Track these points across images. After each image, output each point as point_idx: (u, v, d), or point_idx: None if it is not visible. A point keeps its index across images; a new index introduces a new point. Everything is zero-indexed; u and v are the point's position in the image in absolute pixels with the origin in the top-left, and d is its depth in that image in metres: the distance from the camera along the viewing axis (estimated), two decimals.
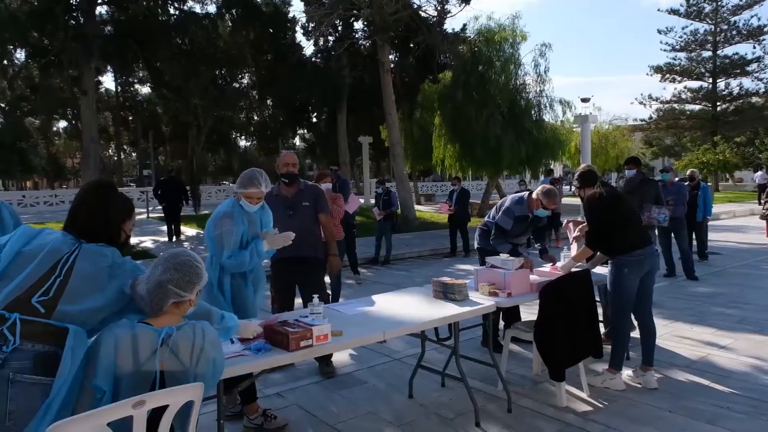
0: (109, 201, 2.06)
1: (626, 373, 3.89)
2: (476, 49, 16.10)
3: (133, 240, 11.75)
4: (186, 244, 12.37)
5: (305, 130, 35.90)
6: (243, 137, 39.97)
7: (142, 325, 1.82)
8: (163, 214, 13.23)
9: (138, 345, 1.75)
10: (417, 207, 18.65)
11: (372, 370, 4.34)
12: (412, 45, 21.17)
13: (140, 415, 1.62)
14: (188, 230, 14.97)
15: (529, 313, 5.16)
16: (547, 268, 4.17)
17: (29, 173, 29.36)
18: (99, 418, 1.56)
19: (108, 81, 35.99)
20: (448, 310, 3.26)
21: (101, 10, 17.79)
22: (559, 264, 4.13)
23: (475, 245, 4.86)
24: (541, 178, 17.96)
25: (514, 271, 3.63)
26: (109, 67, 26.27)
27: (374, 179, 13.73)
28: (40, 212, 22.91)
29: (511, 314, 4.52)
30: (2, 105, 33.42)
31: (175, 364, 1.80)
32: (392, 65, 19.60)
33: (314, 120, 29.27)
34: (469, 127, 15.15)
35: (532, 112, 16.24)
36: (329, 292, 5.39)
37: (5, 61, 20.47)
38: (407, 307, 3.37)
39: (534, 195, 4.30)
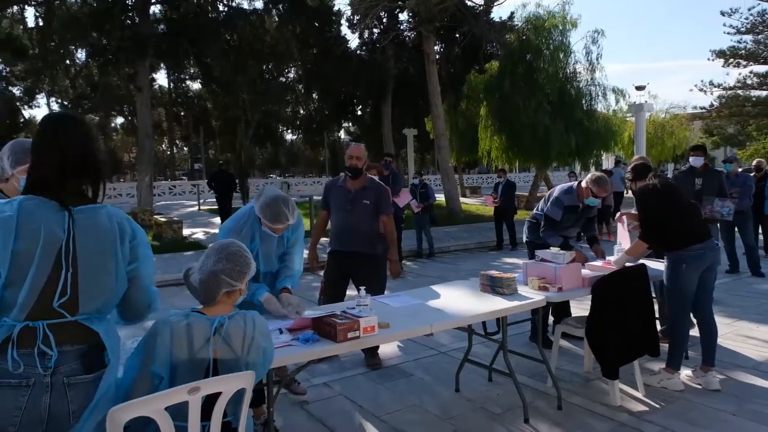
0: (84, 134, 1.67)
1: (685, 373, 3.71)
2: (524, 37, 15.71)
3: (186, 231, 12.17)
4: None
5: (350, 123, 36.13)
6: (289, 131, 40.63)
7: (196, 314, 1.87)
8: (216, 206, 14.33)
9: (192, 333, 1.81)
10: (462, 199, 18.47)
11: (418, 362, 4.32)
12: (457, 35, 20.86)
13: (195, 400, 1.67)
14: None
15: (580, 308, 5.02)
16: (599, 262, 4.02)
17: None
18: (157, 403, 1.62)
19: (161, 78, 37.46)
20: (497, 304, 3.19)
21: (154, 9, 18.40)
22: (612, 258, 3.98)
23: (524, 238, 4.75)
24: (592, 169, 17.40)
25: (565, 265, 3.52)
26: (162, 65, 27.19)
27: (414, 172, 13.69)
28: None
29: (561, 309, 4.39)
30: (65, 103, 35.24)
31: (228, 353, 1.84)
32: (437, 56, 19.43)
33: (359, 113, 29.38)
34: (516, 117, 14.83)
35: (583, 102, 15.72)
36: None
37: (68, 61, 21.52)
38: (454, 300, 3.33)
39: (584, 183, 4.15)
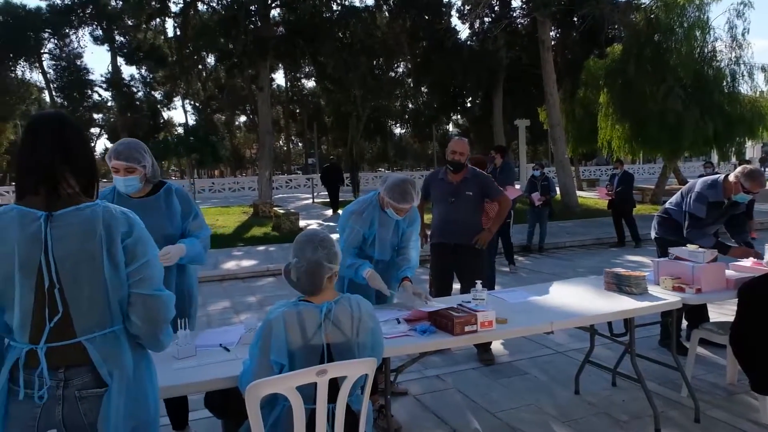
0: (66, 130, 1.54)
1: None
2: (652, 16, 14.39)
3: (301, 223, 12.82)
4: None
5: (459, 116, 35.74)
6: (398, 125, 41.16)
7: (304, 303, 1.94)
8: (328, 198, 16.50)
9: (304, 321, 1.88)
10: (579, 193, 17.48)
11: (533, 361, 4.16)
12: (575, 19, 19.71)
13: (323, 382, 1.75)
14: None
15: (719, 312, 4.54)
16: (747, 262, 3.58)
17: (218, 163, 33.70)
18: (290, 381, 1.72)
19: (279, 78, 39.71)
20: (624, 303, 2.96)
21: (274, 13, 19.57)
22: (765, 259, 3.51)
23: (653, 234, 4.36)
24: (732, 159, 15.58)
25: (705, 265, 3.17)
26: (280, 65, 28.86)
27: (530, 164, 13.10)
28: (225, 197, 26.22)
29: (697, 313, 3.98)
30: (197, 104, 38.79)
31: (339, 336, 1.90)
32: (553, 42, 18.51)
33: (468, 105, 28.93)
34: (642, 104, 13.66)
35: (724, 83, 14.05)
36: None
37: (200, 66, 23.65)
38: (575, 297, 3.15)
39: (732, 177, 3.70)
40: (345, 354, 1.90)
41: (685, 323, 4.17)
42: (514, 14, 21.76)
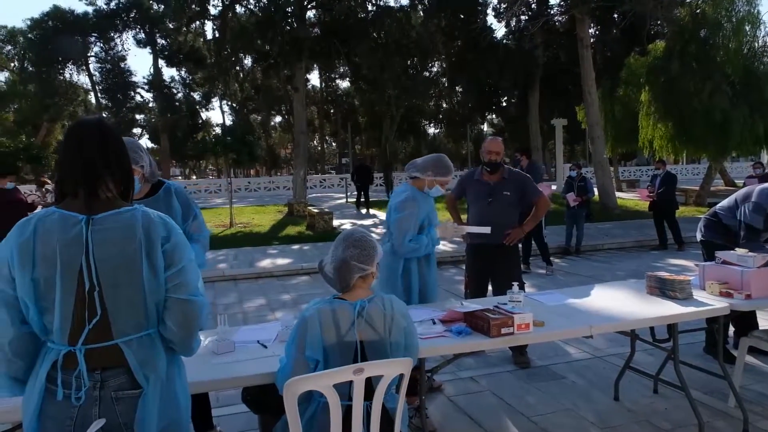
0: (104, 135, 1.57)
1: None
2: (698, 11, 13.87)
3: (335, 222, 12.92)
4: (375, 221, 13.19)
5: (494, 115, 35.34)
6: (431, 124, 41.00)
7: (339, 301, 1.97)
8: (356, 194, 17.83)
9: (338, 318, 1.91)
10: (618, 194, 17.03)
11: (570, 365, 4.08)
12: (616, 15, 19.21)
13: (359, 380, 1.77)
14: (381, 214, 15.96)
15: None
16: None
17: (254, 163, 34.34)
18: (327, 379, 1.74)
19: (314, 78, 40.08)
20: (668, 308, 2.87)
21: (310, 14, 19.77)
22: None
23: (699, 237, 4.20)
24: None
25: (756, 269, 3.04)
26: (315, 65, 29.14)
27: (567, 164, 12.81)
28: (261, 196, 26.66)
29: (745, 320, 3.80)
30: (234, 105, 39.57)
31: (372, 334, 1.93)
32: (592, 40, 18.09)
33: (504, 104, 28.59)
34: (686, 102, 13.17)
35: None
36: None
37: (237, 67, 24.11)
38: (615, 301, 3.06)
39: None
40: (378, 352, 1.92)
41: (732, 330, 4.00)
42: (552, 12, 21.33)
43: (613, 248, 9.72)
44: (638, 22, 16.24)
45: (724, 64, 13.04)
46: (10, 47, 34.89)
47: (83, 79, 37.49)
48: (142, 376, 1.52)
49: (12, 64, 35.33)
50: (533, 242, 7.68)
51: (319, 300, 2.00)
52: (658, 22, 17.56)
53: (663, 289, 3.08)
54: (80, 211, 1.49)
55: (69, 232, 1.46)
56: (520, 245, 4.60)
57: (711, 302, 2.95)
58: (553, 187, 7.94)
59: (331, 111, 43.98)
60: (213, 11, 19.41)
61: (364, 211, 16.61)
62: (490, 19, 23.87)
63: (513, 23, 22.53)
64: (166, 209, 2.59)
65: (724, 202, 4.01)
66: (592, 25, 19.06)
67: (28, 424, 1.50)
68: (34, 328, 1.51)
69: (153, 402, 1.53)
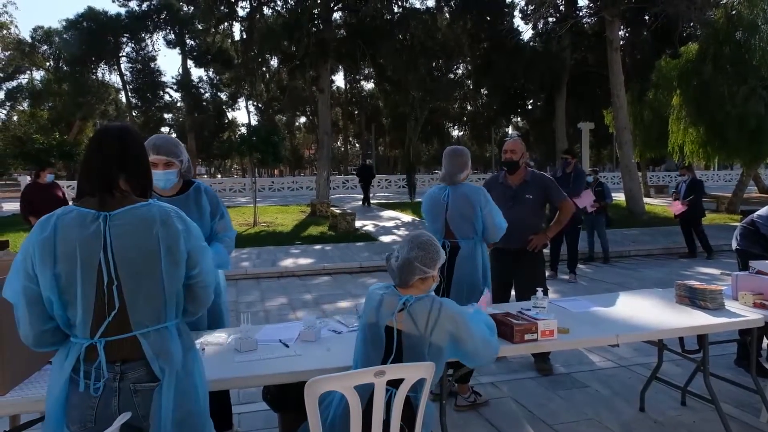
0: (124, 136, 1.66)
1: None
2: (733, 12, 13.50)
3: (357, 223, 12.94)
4: (402, 229, 13.16)
5: (519, 118, 35.01)
6: (456, 127, 40.81)
7: (393, 290, 2.10)
8: (362, 195, 20.26)
9: (382, 304, 2.06)
10: (646, 200, 16.69)
11: (594, 374, 3.99)
12: (647, 17, 18.82)
13: (380, 383, 1.76)
14: (404, 216, 15.94)
15: None
16: None
17: (279, 163, 34.69)
18: (348, 380, 1.74)
19: (339, 79, 40.31)
20: (698, 318, 2.78)
21: (336, 15, 19.87)
22: None
23: (734, 245, 4.07)
24: None
25: None
26: (340, 66, 29.28)
27: (591, 169, 12.57)
28: (284, 196, 26.88)
29: None
30: (260, 105, 40.01)
31: (412, 328, 1.99)
32: (621, 42, 17.77)
33: (529, 107, 28.27)
34: (719, 106, 12.82)
35: None
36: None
37: (264, 68, 24.36)
38: (642, 310, 2.99)
39: None
40: (414, 347, 1.97)
41: (766, 343, 3.87)
42: (581, 13, 21.03)
43: (640, 255, 9.51)
44: (670, 24, 15.88)
45: (761, 68, 12.66)
46: (46, 47, 35.97)
47: (114, 79, 38.49)
48: (158, 368, 1.56)
49: (48, 64, 36.41)
50: (565, 248, 7.54)
51: (383, 284, 2.17)
52: (691, 24, 17.13)
53: (693, 298, 2.99)
54: (96, 209, 1.55)
55: (88, 229, 1.52)
56: (546, 250, 4.52)
57: (744, 313, 2.85)
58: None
59: (355, 112, 44.14)
60: (241, 13, 19.69)
61: (367, 204, 19.53)
62: (517, 21, 23.81)
63: (540, 25, 22.28)
64: (195, 206, 2.68)
65: (763, 211, 3.88)
66: (621, 27, 18.69)
67: (51, 411, 1.56)
68: (59, 322, 1.56)
69: (168, 394, 1.57)
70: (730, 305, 2.98)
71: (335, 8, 18.71)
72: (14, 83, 37.86)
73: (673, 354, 3.22)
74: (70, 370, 1.55)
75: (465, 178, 3.50)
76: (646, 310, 2.97)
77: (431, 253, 2.07)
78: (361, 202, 20.02)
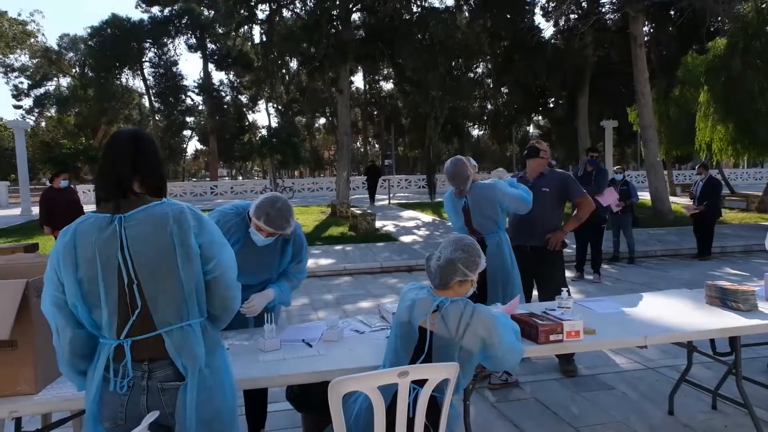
0: (136, 139, 1.67)
1: None
2: (763, 5, 13.14)
3: (377, 223, 12.94)
4: (423, 229, 13.12)
5: (540, 117, 34.64)
6: (476, 126, 40.55)
7: (429, 290, 2.11)
8: (367, 194, 21.56)
9: (415, 305, 2.07)
10: (672, 199, 16.35)
11: (620, 376, 3.92)
12: (672, 12, 18.43)
13: (404, 383, 1.75)
14: (424, 216, 15.89)
15: None
16: None
17: (299, 164, 34.93)
18: (372, 381, 1.73)
19: (358, 80, 40.41)
20: (731, 320, 2.71)
21: (355, 16, 19.91)
22: None
23: None
24: None
25: None
26: (360, 67, 29.35)
27: (616, 167, 12.33)
28: (304, 197, 27.04)
29: None
30: (280, 107, 40.38)
31: (443, 330, 1.99)
32: (646, 38, 17.43)
33: (551, 105, 27.94)
34: (749, 102, 12.48)
35: None
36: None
37: (283, 70, 24.56)
38: (670, 310, 2.92)
39: None
40: (444, 349, 1.97)
41: None
42: (603, 9, 20.68)
43: (666, 255, 9.32)
44: (697, 19, 15.48)
45: None
46: (72, 54, 36.89)
47: (138, 84, 39.21)
48: (182, 366, 1.59)
49: (74, 70, 37.31)
50: (590, 248, 7.42)
51: (417, 284, 2.19)
52: (719, 18, 16.72)
53: (724, 299, 2.91)
54: (112, 212, 1.58)
55: (104, 232, 1.56)
56: (567, 249, 4.45)
57: None
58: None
59: (375, 113, 44.19)
60: (261, 15, 19.85)
61: (372, 203, 20.30)
62: (538, 19, 23.43)
63: (562, 22, 21.99)
64: (280, 253, 2.72)
65: None
66: (646, 22, 18.34)
67: (89, 409, 1.61)
68: (87, 326, 1.61)
69: (192, 392, 1.59)
70: (763, 307, 2.89)
71: (354, 9, 18.75)
72: (42, 90, 38.97)
73: (702, 356, 3.14)
74: (102, 369, 1.59)
75: (474, 180, 3.65)
76: (674, 311, 2.90)
77: (474, 257, 2.09)
78: (376, 203, 20.80)
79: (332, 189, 24.49)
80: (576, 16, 20.97)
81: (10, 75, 37.28)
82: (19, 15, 37.18)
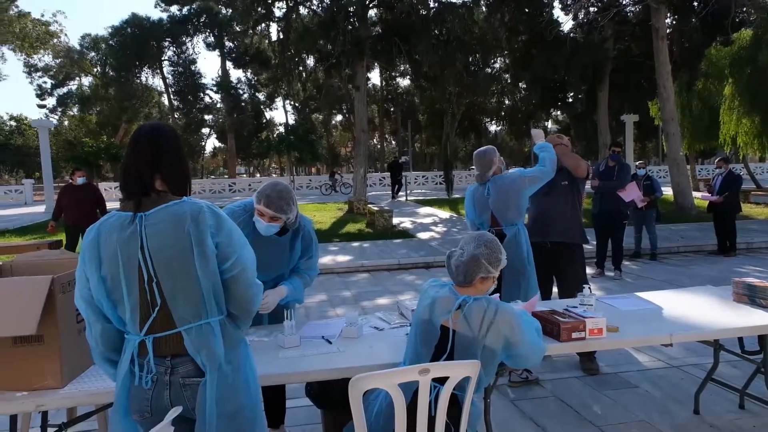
0: (158, 135, 1.66)
1: None
2: None
3: (394, 220, 12.93)
4: (440, 225, 13.06)
5: (559, 112, 34.22)
6: (493, 122, 40.25)
7: (449, 289, 2.09)
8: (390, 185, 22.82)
9: (436, 303, 2.04)
10: (695, 194, 16.03)
11: (643, 374, 3.85)
12: (696, 3, 18.03)
13: (425, 381, 1.74)
14: (441, 212, 15.83)
15: None
16: None
17: (316, 161, 35.05)
18: (392, 378, 1.73)
19: (375, 77, 40.34)
20: (760, 318, 2.64)
21: (371, 13, 19.87)
22: None
23: None
24: None
25: None
26: (376, 64, 29.30)
27: (639, 162, 12.08)
28: (321, 194, 27.13)
29: None
30: (297, 104, 40.55)
31: (466, 329, 1.97)
32: (668, 30, 17.08)
33: (570, 100, 27.56)
34: None
35: None
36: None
37: (300, 67, 24.64)
38: (696, 308, 2.86)
39: None
40: (467, 348, 1.96)
41: None
42: (624, 2, 20.32)
43: (689, 251, 9.14)
44: (721, 10, 15.12)
45: None
46: (93, 54, 37.45)
47: (157, 82, 39.67)
48: (201, 363, 1.61)
49: (95, 70, 37.90)
50: (610, 244, 7.30)
51: (438, 282, 2.17)
52: (744, 9, 16.31)
53: (753, 296, 2.84)
54: (133, 211, 1.60)
55: (126, 230, 1.58)
56: (588, 246, 4.38)
57: None
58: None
59: (391, 109, 44.11)
60: (278, 13, 19.93)
61: (397, 198, 21.45)
62: (557, 12, 23.09)
63: (581, 15, 21.66)
64: (289, 249, 2.71)
65: None
66: (668, 14, 17.97)
67: (119, 401, 1.67)
68: (114, 322, 1.65)
69: (211, 389, 1.60)
70: None
71: (371, 6, 18.70)
72: (65, 89, 39.70)
73: (729, 355, 3.07)
74: (128, 364, 1.63)
75: (498, 172, 3.69)
76: (700, 309, 2.84)
77: (496, 252, 2.07)
78: (391, 196, 22.23)
79: (349, 186, 24.52)
80: (596, 9, 20.64)
81: (34, 75, 38.10)
82: (42, 16, 37.96)
